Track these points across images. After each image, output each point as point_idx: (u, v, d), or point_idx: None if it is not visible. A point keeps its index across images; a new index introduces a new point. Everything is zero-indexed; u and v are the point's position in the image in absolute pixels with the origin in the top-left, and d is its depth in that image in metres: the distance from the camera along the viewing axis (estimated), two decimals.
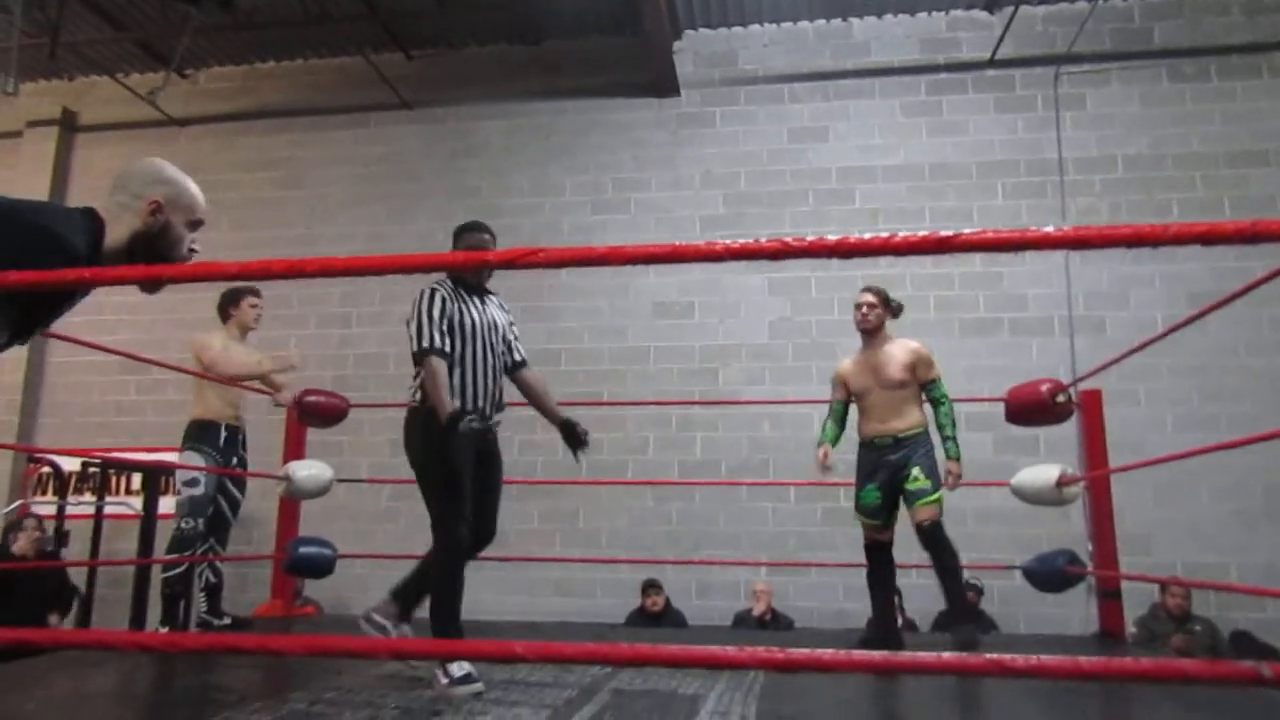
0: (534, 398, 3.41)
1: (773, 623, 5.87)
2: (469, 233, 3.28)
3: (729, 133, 7.14)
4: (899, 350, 3.67)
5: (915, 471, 3.53)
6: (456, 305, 3.07)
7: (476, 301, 3.16)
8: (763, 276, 6.81)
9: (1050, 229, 0.94)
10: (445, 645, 0.91)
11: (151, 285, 1.71)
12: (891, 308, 3.76)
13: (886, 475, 3.62)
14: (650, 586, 5.98)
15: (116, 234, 1.74)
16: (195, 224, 1.85)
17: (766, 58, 7.19)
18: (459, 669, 2.71)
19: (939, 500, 3.52)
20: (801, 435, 6.50)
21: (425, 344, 2.99)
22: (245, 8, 6.51)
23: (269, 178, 7.69)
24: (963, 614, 3.72)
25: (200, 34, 6.98)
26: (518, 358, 3.33)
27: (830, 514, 6.31)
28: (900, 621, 5.77)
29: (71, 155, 8.01)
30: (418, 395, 3.05)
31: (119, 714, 2.65)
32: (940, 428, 3.63)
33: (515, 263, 1.03)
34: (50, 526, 5.94)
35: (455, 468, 2.93)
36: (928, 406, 3.69)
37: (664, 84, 7.10)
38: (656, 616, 5.89)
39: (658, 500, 6.56)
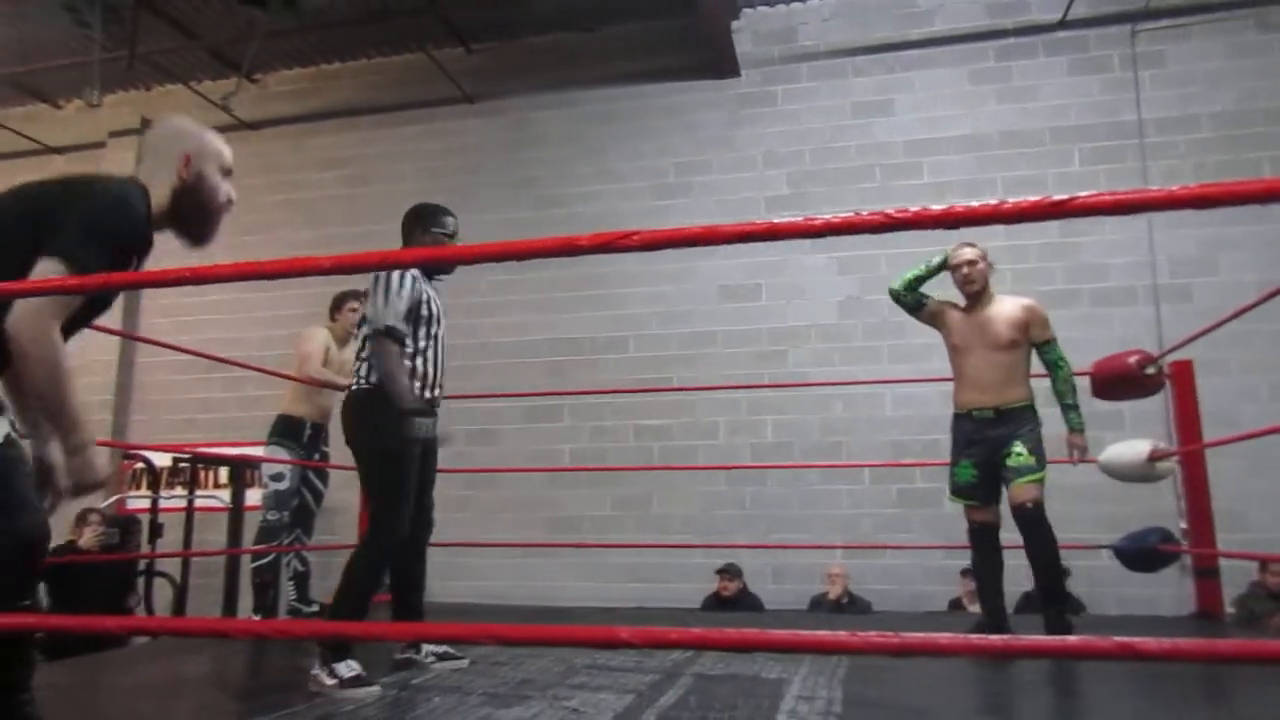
0: None
1: (850, 606, 5.80)
2: (438, 216, 3.13)
3: (790, 111, 7.03)
4: (1010, 306, 3.30)
5: (1018, 446, 3.19)
6: (424, 290, 2.92)
7: (438, 288, 3.05)
8: (829, 256, 6.70)
9: (1175, 188, 0.89)
10: (534, 631, 0.90)
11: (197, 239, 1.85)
12: (989, 264, 3.41)
13: (984, 453, 3.28)
14: (724, 571, 5.96)
15: (159, 196, 1.85)
16: (227, 171, 1.95)
17: (827, 32, 7.05)
18: (348, 669, 2.56)
19: (1042, 479, 3.19)
20: (874, 415, 6.40)
21: (383, 324, 2.79)
22: (310, 9, 6.63)
23: (337, 176, 7.84)
24: (1058, 606, 3.32)
25: (267, 38, 7.13)
26: None
27: (906, 495, 6.21)
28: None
29: None
30: (366, 376, 2.85)
31: (216, 698, 2.74)
32: (1059, 395, 3.28)
33: (609, 246, 1.01)
34: (114, 521, 6.14)
35: (404, 463, 2.76)
36: (1034, 381, 3.36)
37: (723, 64, 7.02)
38: (731, 601, 5.87)
39: (730, 485, 6.52)
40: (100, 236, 1.67)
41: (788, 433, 6.54)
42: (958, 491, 3.40)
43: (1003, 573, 3.35)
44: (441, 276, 3.14)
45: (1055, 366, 3.28)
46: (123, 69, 7.31)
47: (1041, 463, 3.20)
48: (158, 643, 4.53)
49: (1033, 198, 0.89)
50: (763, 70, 7.11)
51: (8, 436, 1.65)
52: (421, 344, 2.89)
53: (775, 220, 0.98)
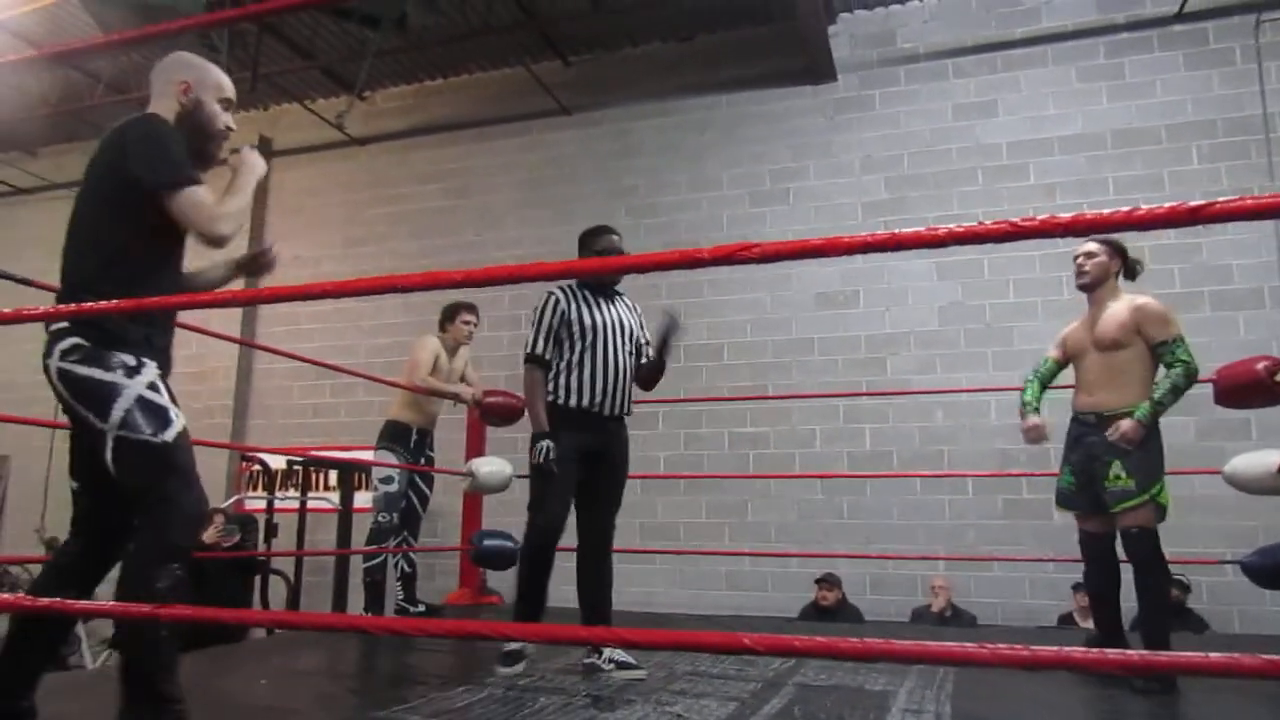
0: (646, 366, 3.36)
1: (953, 619, 5.65)
2: (597, 237, 3.30)
3: (889, 115, 6.92)
4: (1121, 306, 3.08)
5: (1116, 467, 2.94)
6: (575, 307, 3.15)
7: (602, 303, 3.22)
8: (929, 261, 6.56)
9: None
10: (650, 635, 0.92)
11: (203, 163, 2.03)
12: (1127, 261, 3.16)
13: (1084, 458, 3.09)
14: (823, 581, 5.89)
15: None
16: (226, 102, 2.08)
17: (927, 34, 6.91)
18: (512, 644, 3.02)
19: (1151, 501, 2.92)
20: (978, 423, 6.23)
21: (528, 350, 3.17)
22: (416, 28, 6.88)
23: (440, 189, 8.09)
24: (1150, 644, 2.92)
25: (377, 57, 7.42)
26: (643, 359, 3.33)
27: (1012, 506, 6.01)
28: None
29: (269, 178, 8.70)
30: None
31: (331, 691, 2.86)
32: (1155, 386, 2.99)
33: (731, 258, 1.03)
34: (234, 519, 6.43)
35: (544, 473, 3.05)
36: None
37: (819, 70, 6.96)
38: (830, 611, 5.79)
39: (827, 493, 6.45)
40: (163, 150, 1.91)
41: (887, 441, 6.42)
42: (1059, 498, 3.26)
43: (1118, 586, 3.13)
44: (618, 290, 3.33)
45: (1170, 366, 3.00)
46: (246, 90, 7.72)
47: (1145, 484, 2.92)
48: (275, 637, 4.75)
49: (1154, 198, 0.87)
50: (860, 74, 7.02)
51: (184, 429, 1.91)
52: (582, 358, 3.12)
53: (896, 231, 0.99)
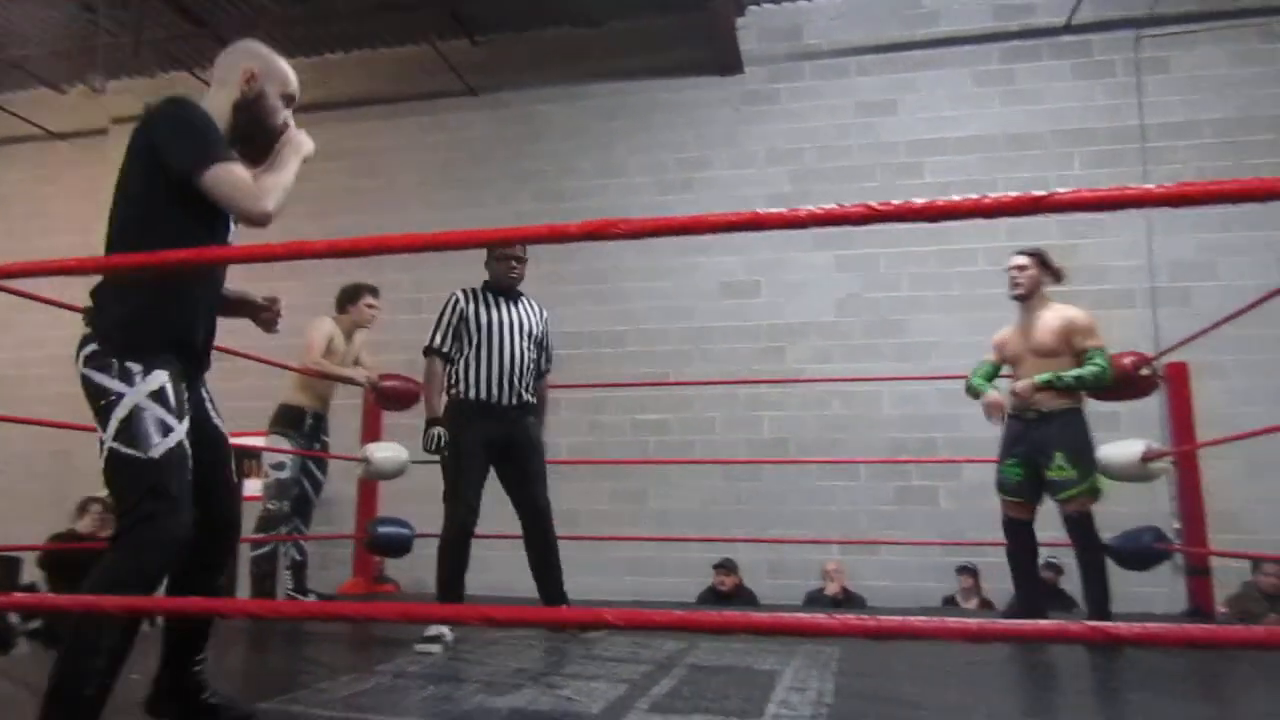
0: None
1: (846, 602, 5.83)
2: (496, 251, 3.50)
3: (794, 109, 7.05)
4: (1054, 316, 3.46)
5: (1059, 458, 3.32)
6: (474, 306, 3.40)
7: (503, 303, 3.46)
8: (830, 253, 6.72)
9: (1148, 186, 0.91)
10: (526, 613, 0.93)
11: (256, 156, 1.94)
12: (1052, 269, 3.54)
13: (1027, 451, 3.44)
14: (721, 566, 6.00)
15: (221, 109, 1.93)
16: (289, 98, 2.00)
17: (832, 31, 7.06)
18: (435, 629, 3.11)
19: (1087, 490, 3.33)
20: (871, 413, 6.43)
21: (427, 343, 3.42)
22: None
23: (342, 167, 7.85)
24: (1095, 615, 3.33)
25: (274, 27, 7.15)
26: (543, 366, 3.60)
27: (903, 493, 6.23)
28: (977, 602, 5.70)
29: None
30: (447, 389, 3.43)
31: (216, 685, 2.76)
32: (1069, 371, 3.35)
33: (597, 235, 1.03)
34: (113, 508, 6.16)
35: (463, 461, 3.27)
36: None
37: (727, 61, 7.04)
38: (727, 596, 5.90)
39: (727, 480, 6.55)
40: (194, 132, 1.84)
41: (785, 429, 6.57)
42: (1004, 489, 3.57)
43: (1036, 561, 3.57)
44: (521, 293, 3.53)
45: (1087, 364, 3.35)
46: (128, 55, 7.33)
47: (1085, 472, 3.32)
48: (154, 632, 4.56)
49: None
50: (767, 67, 7.13)
51: (178, 444, 1.83)
52: (478, 353, 3.36)
53: (759, 211, 1.01)
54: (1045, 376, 3.34)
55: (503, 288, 3.48)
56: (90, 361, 1.83)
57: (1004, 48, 6.73)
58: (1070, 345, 3.40)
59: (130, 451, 1.78)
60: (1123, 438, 4.30)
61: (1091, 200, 0.90)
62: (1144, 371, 3.84)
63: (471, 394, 3.34)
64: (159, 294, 1.86)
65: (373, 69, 7.98)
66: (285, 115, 2.00)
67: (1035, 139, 6.54)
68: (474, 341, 3.36)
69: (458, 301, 3.41)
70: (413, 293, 7.34)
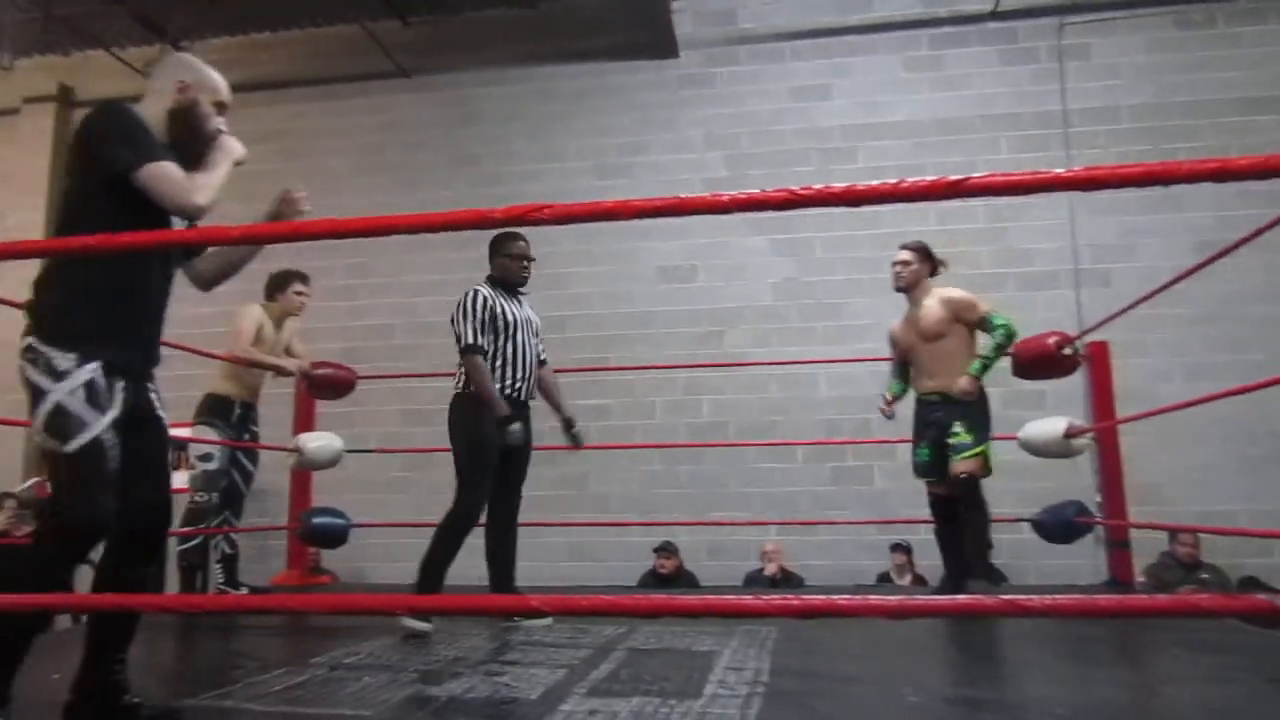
0: (546, 391, 3.76)
1: (784, 582, 5.92)
2: (512, 241, 3.55)
3: (730, 93, 7.07)
4: (935, 302, 3.61)
5: (957, 426, 3.50)
6: (497, 303, 3.43)
7: (513, 300, 3.52)
8: (767, 238, 6.78)
9: (1060, 170, 0.94)
10: (454, 600, 0.93)
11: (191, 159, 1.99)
12: (933, 262, 3.69)
13: (935, 434, 3.60)
14: (662, 549, 6.03)
15: (154, 114, 2.01)
16: (220, 105, 2.10)
17: (766, 15, 7.10)
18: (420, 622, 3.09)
19: (980, 455, 3.49)
20: (809, 396, 6.52)
21: (470, 341, 3.35)
22: None
23: (270, 150, 7.62)
24: (969, 572, 3.67)
25: (195, 4, 6.91)
26: (541, 356, 3.67)
27: (839, 473, 6.34)
28: (911, 578, 5.84)
29: (70, 131, 7.98)
30: (461, 383, 3.42)
31: (141, 683, 2.68)
32: (980, 349, 3.55)
33: (523, 219, 1.02)
34: (31, 504, 5.95)
35: (487, 456, 3.31)
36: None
37: (663, 45, 7.02)
38: (668, 579, 5.95)
39: (666, 463, 6.59)
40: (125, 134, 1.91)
41: (724, 412, 6.62)
42: (918, 472, 3.73)
43: (960, 537, 3.67)
44: (522, 291, 3.60)
45: (992, 333, 3.52)
46: (39, 32, 7.01)
47: (979, 439, 3.48)
48: (77, 629, 4.42)
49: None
50: (703, 52, 7.14)
51: (95, 439, 1.85)
52: (503, 350, 3.41)
53: (683, 196, 1.01)
54: (976, 366, 3.51)
55: (514, 285, 3.55)
56: (24, 354, 1.88)
57: (933, 34, 6.85)
58: (960, 322, 3.56)
59: (53, 445, 1.84)
60: (1047, 415, 4.45)
61: (1004, 185, 0.92)
62: (1067, 351, 3.96)
63: (497, 388, 3.38)
64: (98, 285, 1.89)
65: (300, 49, 7.77)
66: (218, 122, 2.09)
67: (964, 124, 6.68)
68: (498, 338, 3.41)
69: (487, 299, 3.41)
70: (346, 279, 7.21)
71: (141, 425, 1.99)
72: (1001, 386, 5.74)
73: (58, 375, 1.84)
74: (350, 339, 7.05)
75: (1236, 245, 2.75)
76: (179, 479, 5.13)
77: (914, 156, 6.64)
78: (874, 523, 5.93)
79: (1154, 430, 5.51)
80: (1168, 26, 6.55)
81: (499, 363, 3.40)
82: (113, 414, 1.88)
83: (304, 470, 4.83)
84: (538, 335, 3.60)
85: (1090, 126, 6.50)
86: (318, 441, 4.57)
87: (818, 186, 0.96)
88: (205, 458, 4.19)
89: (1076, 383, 5.02)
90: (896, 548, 5.97)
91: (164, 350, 2.11)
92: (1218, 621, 3.13)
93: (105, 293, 1.91)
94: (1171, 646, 2.84)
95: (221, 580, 4.26)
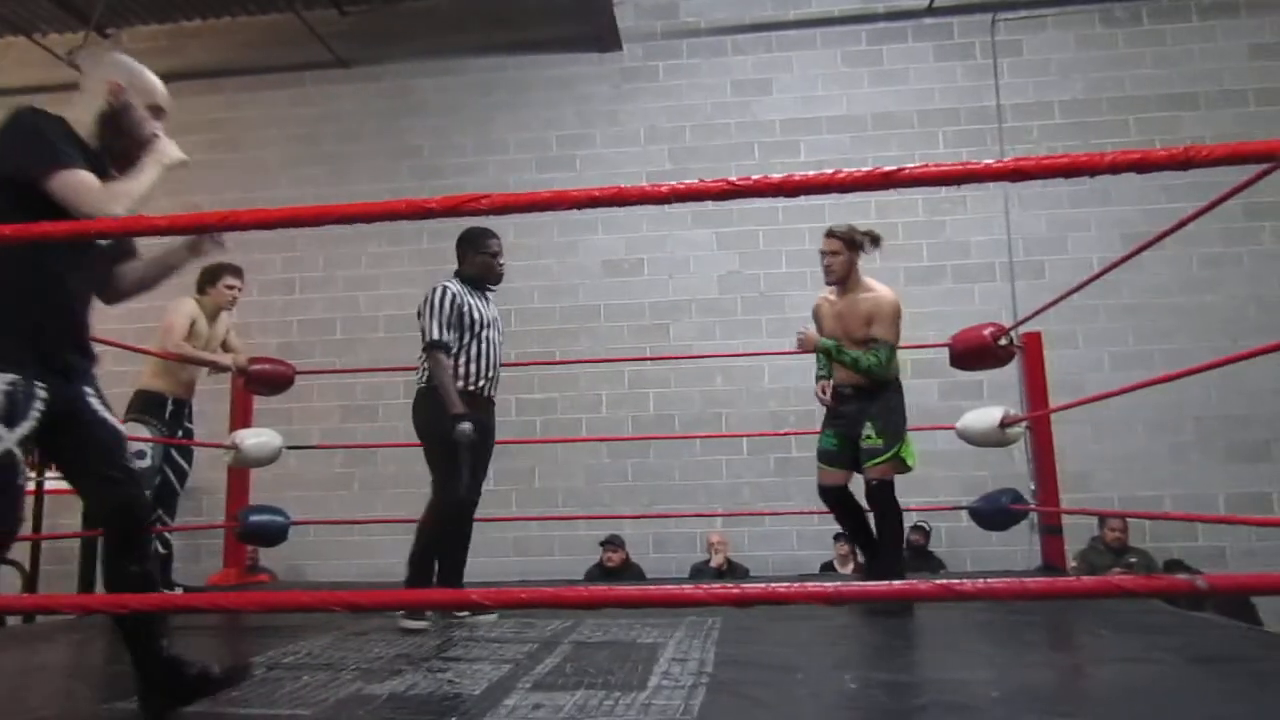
0: None
1: (730, 573, 5.97)
2: (487, 239, 3.54)
3: (672, 86, 7.09)
4: (867, 300, 3.44)
5: (868, 428, 3.40)
6: (464, 299, 3.43)
7: (480, 297, 3.52)
8: (710, 231, 6.82)
9: (990, 161, 0.96)
10: (398, 596, 0.92)
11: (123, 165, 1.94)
12: (858, 243, 3.47)
13: (844, 425, 3.52)
14: (608, 543, 6.04)
15: (81, 119, 1.94)
16: (156, 109, 2.03)
17: (707, 9, 7.12)
18: (418, 619, 3.18)
19: (895, 458, 3.38)
20: (753, 388, 6.58)
21: (434, 337, 3.34)
22: None
23: (202, 140, 7.42)
24: (892, 557, 3.46)
25: None
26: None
27: (783, 464, 6.41)
28: (853, 567, 5.94)
29: None
30: (424, 378, 3.41)
31: (71, 686, 2.62)
32: (858, 355, 3.38)
33: (459, 209, 1.01)
34: None
35: (456, 447, 3.29)
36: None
37: (605, 38, 7.00)
38: (615, 572, 5.95)
39: (613, 457, 6.59)
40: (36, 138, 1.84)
41: (670, 405, 6.65)
42: (821, 458, 3.65)
43: (866, 521, 3.55)
44: (491, 287, 3.58)
45: (869, 353, 3.38)
46: None
47: (890, 443, 3.38)
48: (2, 632, 4.27)
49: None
50: (645, 45, 7.13)
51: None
52: (469, 347, 3.41)
53: (622, 186, 1.01)
54: (829, 343, 3.46)
55: (488, 283, 3.56)
56: None
57: (871, 29, 6.94)
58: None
59: None
60: (985, 405, 4.55)
61: (937, 175, 0.94)
62: (1003, 341, 4.05)
63: (461, 385, 3.38)
64: (14, 293, 1.84)
65: (232, 38, 7.57)
66: (153, 125, 2.01)
67: (902, 118, 6.79)
68: (463, 335, 3.41)
69: (455, 296, 3.40)
70: (284, 272, 7.06)
71: (79, 429, 1.93)
72: (940, 377, 5.90)
73: None
74: (288, 334, 6.91)
75: (1161, 236, 2.84)
76: None
77: (854, 151, 6.72)
78: (818, 513, 6.00)
79: (1085, 419, 5.70)
80: (1095, 23, 6.74)
81: (464, 360, 3.40)
82: (25, 427, 1.82)
83: (242, 467, 4.72)
84: (501, 333, 3.60)
85: (1023, 122, 6.66)
86: (256, 438, 4.47)
87: (755, 177, 0.97)
88: (137, 455, 4.06)
89: (1011, 373, 5.15)
90: (839, 537, 6.06)
91: (95, 346, 2.04)
92: (1143, 603, 3.25)
93: (23, 298, 1.85)
94: (1099, 628, 2.93)
95: None
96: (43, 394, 1.85)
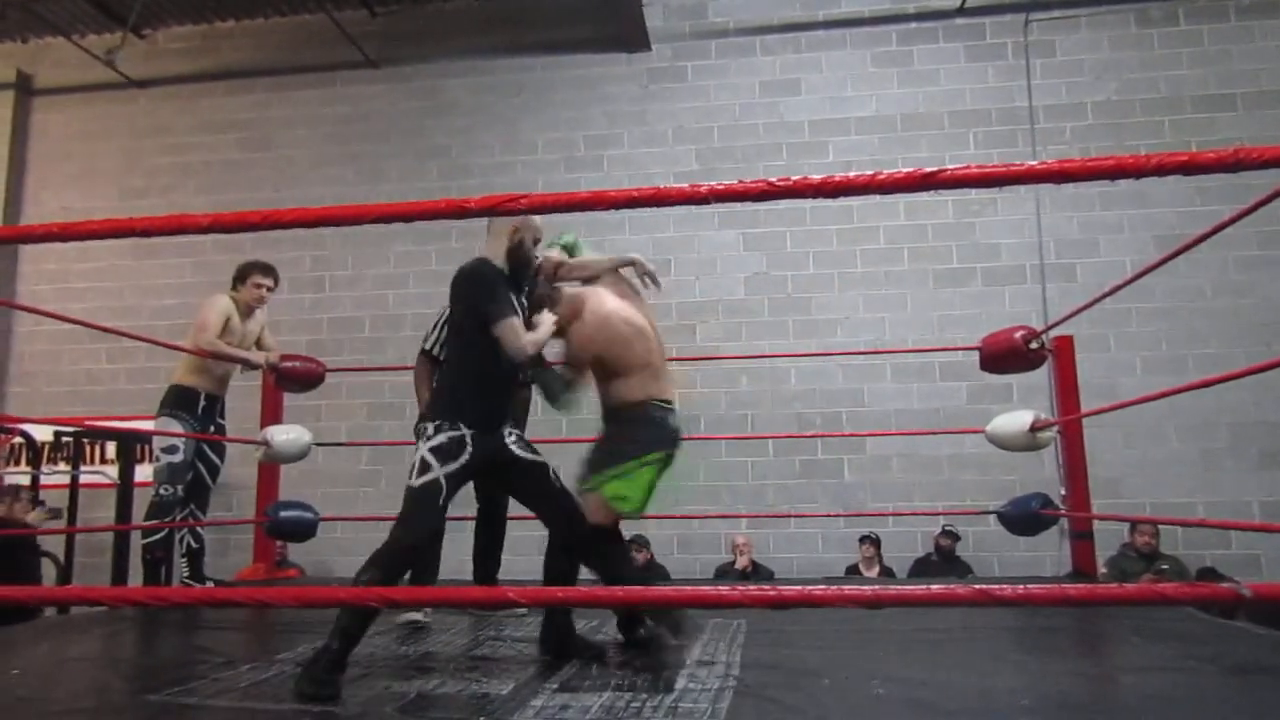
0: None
1: (754, 575, 5.95)
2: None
3: (700, 87, 7.07)
4: None
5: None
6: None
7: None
8: (737, 232, 6.80)
9: (1033, 163, 0.94)
10: (431, 592, 0.92)
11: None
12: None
13: None
14: (632, 542, 6.03)
15: (497, 255, 2.62)
16: (536, 240, 2.69)
17: (736, 10, 7.10)
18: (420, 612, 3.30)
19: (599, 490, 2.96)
20: (779, 389, 6.55)
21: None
22: None
23: (234, 139, 7.54)
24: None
25: None
26: None
27: (808, 466, 6.38)
28: (879, 570, 5.90)
29: (29, 119, 7.79)
30: None
31: (105, 678, 2.65)
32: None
33: (497, 209, 1.01)
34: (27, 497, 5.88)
35: None
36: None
37: (634, 38, 7.00)
38: (638, 572, 5.94)
39: None
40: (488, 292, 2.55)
41: (695, 406, 6.62)
42: None
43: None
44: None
45: None
46: None
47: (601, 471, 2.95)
48: (38, 624, 4.34)
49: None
50: (673, 45, 7.13)
51: None
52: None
53: (660, 187, 1.01)
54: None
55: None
56: None
57: (901, 29, 6.89)
58: None
59: None
60: (1015, 409, 4.50)
61: (979, 176, 0.93)
62: (1034, 345, 4.00)
63: None
64: (474, 378, 2.58)
65: (264, 38, 7.66)
66: (535, 251, 2.74)
67: (932, 119, 6.74)
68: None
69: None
70: (314, 270, 7.12)
71: (508, 467, 2.76)
72: (969, 380, 5.86)
73: None
74: (317, 331, 6.98)
75: (1196, 241, 2.79)
76: (143, 471, 5.07)
77: (883, 151, 6.69)
78: (843, 515, 5.98)
79: (1116, 423, 5.62)
80: (1129, 23, 6.65)
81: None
82: (452, 466, 2.47)
83: (272, 463, 4.77)
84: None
85: (1056, 123, 6.58)
86: (287, 434, 4.50)
87: (795, 178, 0.97)
88: (170, 450, 4.12)
89: (1042, 376, 5.09)
90: (865, 539, 6.02)
91: (125, 343, 2.07)
92: (1174, 611, 3.20)
93: (482, 385, 2.61)
94: (1131, 636, 2.89)
95: (186, 574, 4.20)
96: (469, 445, 2.48)
